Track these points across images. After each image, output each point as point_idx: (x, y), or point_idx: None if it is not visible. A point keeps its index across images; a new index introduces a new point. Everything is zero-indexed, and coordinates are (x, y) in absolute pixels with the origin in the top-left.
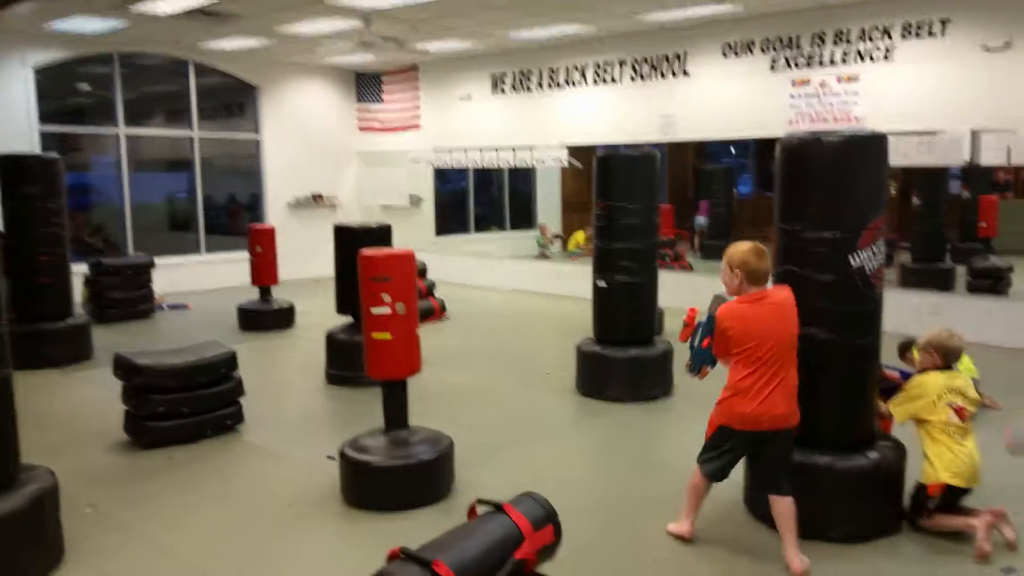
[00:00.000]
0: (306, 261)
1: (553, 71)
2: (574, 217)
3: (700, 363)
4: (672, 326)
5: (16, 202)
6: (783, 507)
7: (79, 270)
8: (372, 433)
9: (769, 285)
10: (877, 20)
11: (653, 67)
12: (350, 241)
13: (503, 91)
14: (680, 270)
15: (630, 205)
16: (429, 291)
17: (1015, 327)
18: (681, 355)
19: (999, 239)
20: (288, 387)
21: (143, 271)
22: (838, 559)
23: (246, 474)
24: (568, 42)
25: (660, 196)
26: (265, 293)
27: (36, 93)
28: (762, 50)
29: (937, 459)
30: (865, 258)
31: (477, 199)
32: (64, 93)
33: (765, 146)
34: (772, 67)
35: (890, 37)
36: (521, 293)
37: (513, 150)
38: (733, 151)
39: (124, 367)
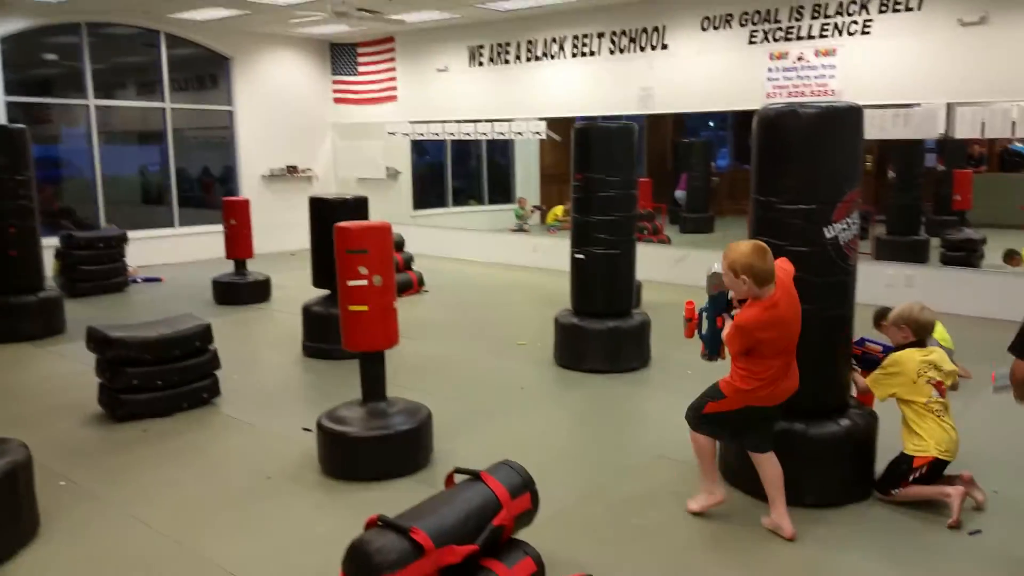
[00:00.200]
0: (282, 234)
1: (531, 43)
2: (553, 190)
3: (717, 346)
4: (649, 298)
5: None
6: (770, 466)
7: (50, 243)
8: (349, 405)
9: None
10: None
11: (632, 40)
12: (326, 213)
13: (480, 63)
14: (658, 243)
15: (608, 177)
16: (407, 264)
17: (987, 298)
18: (659, 326)
19: (973, 212)
20: (265, 360)
21: (116, 244)
22: (813, 524)
23: (223, 446)
24: (546, 14)
25: (639, 169)
26: (240, 266)
27: (1, 63)
28: (740, 23)
29: (928, 435)
30: (839, 230)
31: (455, 172)
32: (31, 63)
33: (743, 119)
34: (751, 40)
35: (867, 11)
36: (499, 266)
37: (491, 123)
38: (712, 124)
39: (97, 340)
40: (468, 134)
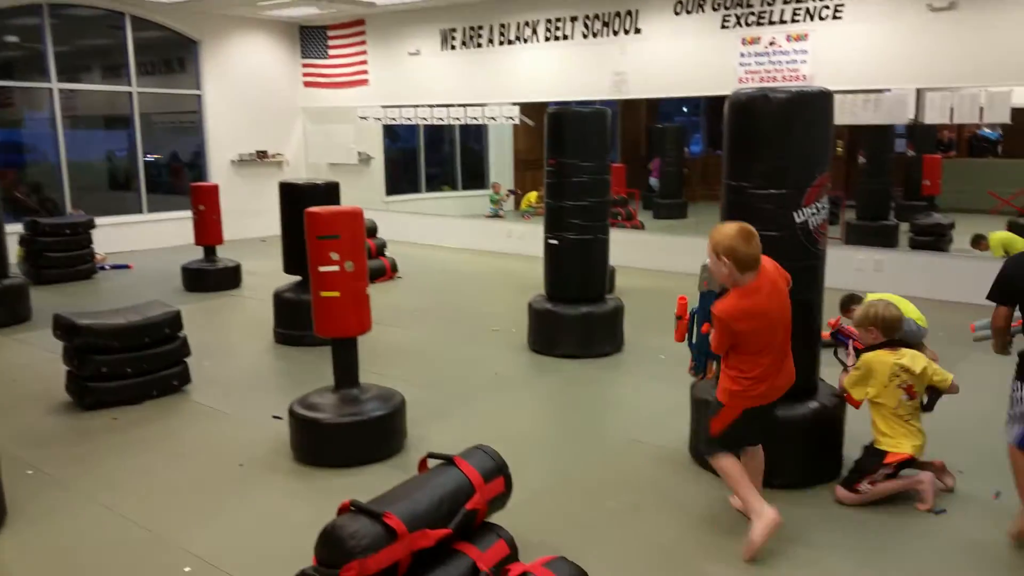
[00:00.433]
0: (252, 220)
1: (504, 27)
2: (527, 175)
3: (705, 359)
4: (623, 283)
5: None
6: (760, 458)
7: (13, 230)
8: (322, 391)
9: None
10: None
11: (605, 24)
12: (296, 199)
13: (453, 47)
14: (632, 229)
15: (582, 162)
16: (380, 250)
17: (955, 281)
18: (633, 312)
19: (942, 197)
20: (236, 347)
21: (82, 230)
22: (783, 504)
23: (194, 434)
24: None
25: (612, 154)
26: (210, 252)
27: None
28: (713, 8)
29: (903, 436)
30: (809, 214)
31: (428, 158)
32: None
33: (716, 104)
34: (723, 25)
35: None
36: (473, 252)
37: (464, 107)
38: (685, 110)
39: (64, 327)
40: (441, 119)
